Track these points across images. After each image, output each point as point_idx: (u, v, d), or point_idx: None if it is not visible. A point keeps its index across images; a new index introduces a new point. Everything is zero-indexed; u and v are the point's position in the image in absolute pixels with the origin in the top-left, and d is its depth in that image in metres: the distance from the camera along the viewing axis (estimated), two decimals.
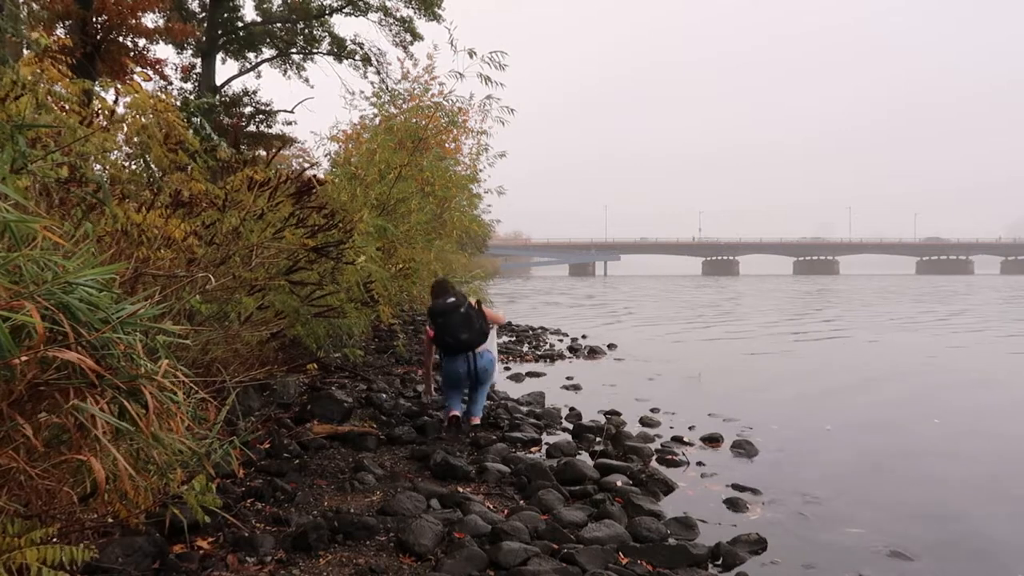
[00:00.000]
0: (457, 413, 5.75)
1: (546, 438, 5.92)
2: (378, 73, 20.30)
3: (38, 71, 3.24)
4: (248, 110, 20.01)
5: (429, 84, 11.51)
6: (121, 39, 14.46)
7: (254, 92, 20.19)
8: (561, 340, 14.36)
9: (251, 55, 21.03)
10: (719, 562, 3.50)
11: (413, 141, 9.62)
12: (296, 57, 21.45)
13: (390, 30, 19.64)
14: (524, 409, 6.82)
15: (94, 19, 13.59)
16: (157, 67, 16.11)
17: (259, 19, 20.66)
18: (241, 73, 21.14)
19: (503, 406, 6.78)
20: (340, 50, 20.38)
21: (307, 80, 21.94)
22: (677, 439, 6.03)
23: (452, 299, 5.76)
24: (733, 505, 4.38)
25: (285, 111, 20.47)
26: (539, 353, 11.83)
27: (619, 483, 4.55)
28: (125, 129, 3.81)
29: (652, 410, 7.20)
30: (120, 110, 3.81)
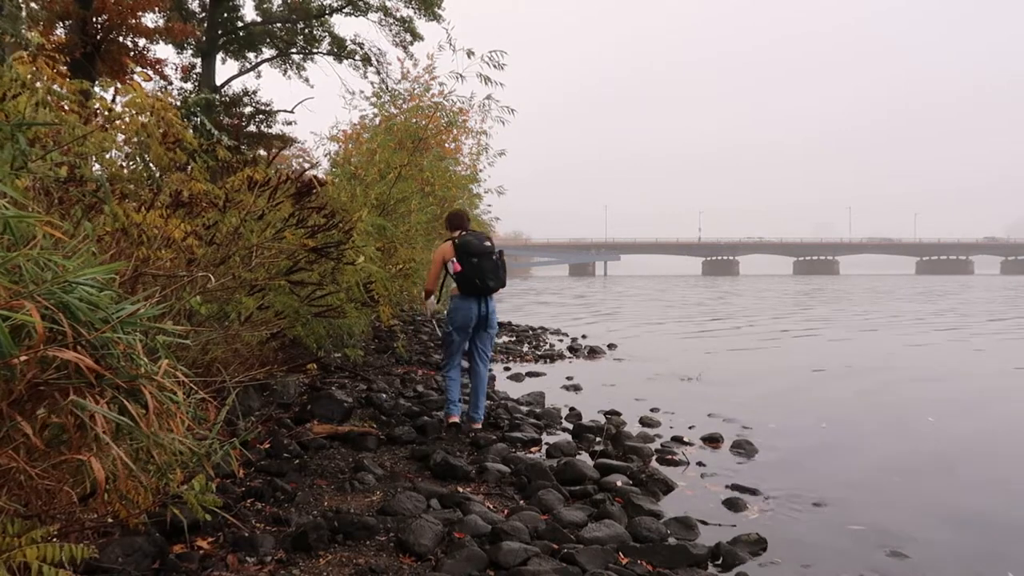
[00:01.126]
0: (456, 419, 5.73)
1: (546, 438, 5.91)
2: (378, 73, 20.36)
3: (34, 70, 3.23)
4: (248, 110, 20.03)
5: (429, 84, 11.51)
6: (121, 39, 14.48)
7: (254, 92, 20.22)
8: (561, 340, 14.36)
9: (251, 55, 21.09)
10: (719, 562, 3.50)
11: (413, 141, 9.61)
12: (296, 57, 21.50)
13: (390, 30, 19.68)
14: (524, 409, 6.82)
15: (94, 19, 13.61)
16: (157, 67, 16.14)
17: (259, 19, 20.69)
18: (241, 73, 21.19)
19: (503, 406, 6.77)
20: (340, 50, 20.42)
21: (307, 80, 22.02)
22: (677, 439, 6.03)
23: (488, 243, 5.63)
24: (733, 505, 4.38)
25: (285, 111, 20.51)
26: (539, 353, 11.82)
27: (619, 483, 4.54)
28: (123, 127, 3.81)
29: (652, 410, 7.19)
30: (118, 109, 3.81)
